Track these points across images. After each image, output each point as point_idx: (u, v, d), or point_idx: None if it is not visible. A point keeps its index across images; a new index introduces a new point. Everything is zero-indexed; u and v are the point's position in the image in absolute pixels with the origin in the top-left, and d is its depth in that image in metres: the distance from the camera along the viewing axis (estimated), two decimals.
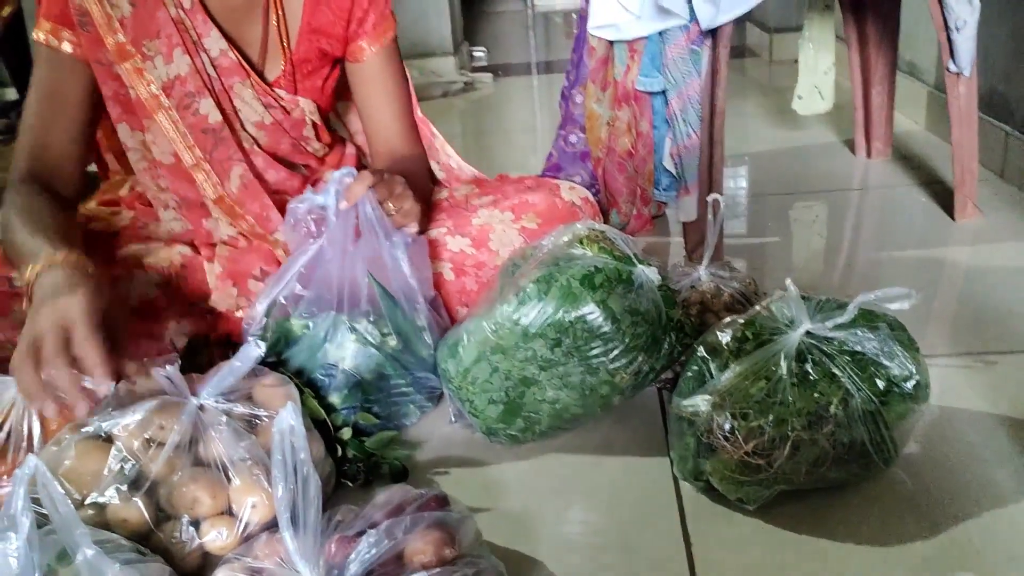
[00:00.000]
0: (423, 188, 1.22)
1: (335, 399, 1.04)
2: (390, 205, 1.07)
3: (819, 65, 1.97)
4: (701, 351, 0.94)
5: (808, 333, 0.89)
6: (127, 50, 1.09)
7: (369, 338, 1.04)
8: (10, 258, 1.04)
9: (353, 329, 1.04)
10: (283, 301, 1.07)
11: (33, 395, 0.84)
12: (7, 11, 2.56)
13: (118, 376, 0.87)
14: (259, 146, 1.20)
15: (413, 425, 1.11)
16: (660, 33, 1.47)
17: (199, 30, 1.13)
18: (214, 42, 1.14)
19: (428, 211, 1.20)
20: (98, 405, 0.86)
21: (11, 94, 3.16)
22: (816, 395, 0.85)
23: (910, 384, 0.89)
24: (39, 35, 1.11)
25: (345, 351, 1.04)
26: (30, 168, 1.11)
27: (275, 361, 1.02)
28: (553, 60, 3.81)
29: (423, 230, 1.14)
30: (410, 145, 1.29)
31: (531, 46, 4.34)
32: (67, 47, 1.10)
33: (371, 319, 1.04)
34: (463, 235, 1.18)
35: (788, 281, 0.91)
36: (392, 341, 1.06)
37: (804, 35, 1.97)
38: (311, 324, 1.05)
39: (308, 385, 1.03)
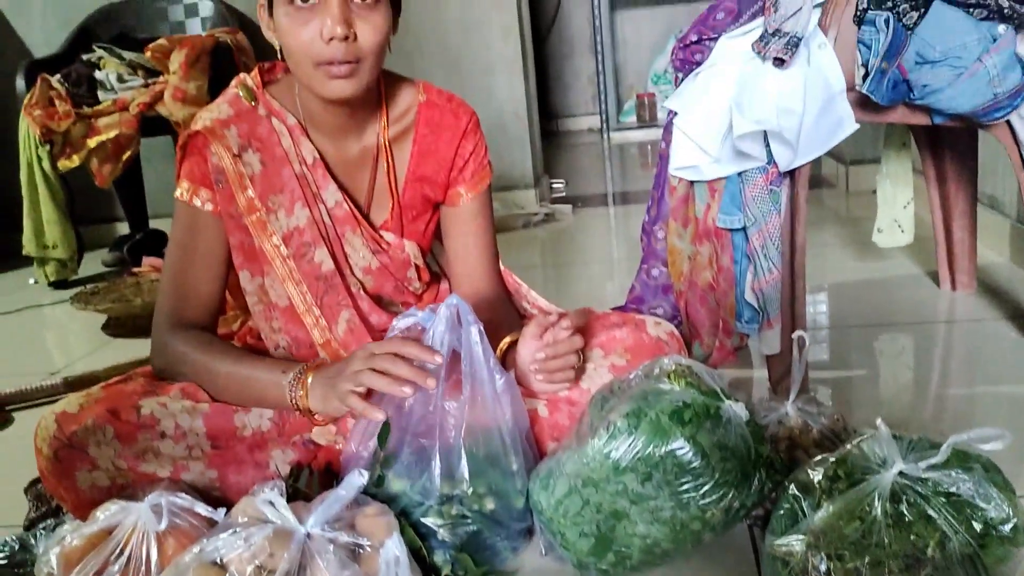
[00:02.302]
0: (513, 326, 1.28)
1: (437, 559, 1.05)
2: (556, 362, 1.15)
3: (898, 199, 2.00)
4: (793, 489, 0.95)
5: (901, 473, 0.89)
6: (254, 204, 1.20)
7: (465, 510, 1.05)
8: (220, 395, 1.19)
9: (448, 500, 1.05)
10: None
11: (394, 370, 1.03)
12: (128, 155, 2.79)
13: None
14: (364, 290, 1.29)
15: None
16: (739, 174, 1.53)
17: (319, 184, 1.24)
18: (331, 194, 1.24)
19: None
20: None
21: (124, 228, 3.40)
22: (913, 537, 0.85)
23: (1008, 527, 0.87)
24: (181, 193, 1.22)
25: (442, 519, 1.05)
26: (177, 317, 1.22)
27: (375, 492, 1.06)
28: (629, 191, 3.92)
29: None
30: (495, 287, 1.36)
31: (607, 177, 4.48)
32: (207, 205, 1.21)
33: (467, 486, 1.05)
34: None
35: (879, 421, 0.92)
36: (489, 503, 1.07)
37: (882, 170, 2.01)
38: (409, 487, 1.06)
39: (405, 514, 1.06)
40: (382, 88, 1.27)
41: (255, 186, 1.20)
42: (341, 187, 1.26)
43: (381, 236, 1.29)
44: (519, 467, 1.09)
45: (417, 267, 1.33)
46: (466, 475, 1.05)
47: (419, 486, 1.05)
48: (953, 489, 0.88)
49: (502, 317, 1.33)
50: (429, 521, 1.05)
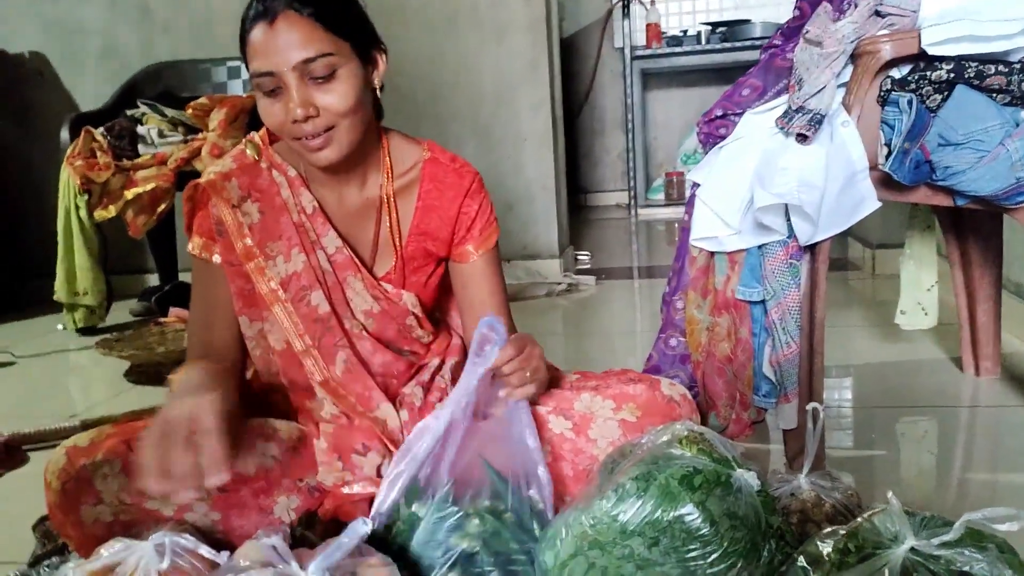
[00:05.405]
0: None
1: None
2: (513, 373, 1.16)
3: (922, 282, 1.99)
4: (802, 561, 0.93)
5: (913, 549, 0.87)
6: (252, 251, 1.25)
7: (488, 519, 1.07)
8: None
9: (470, 515, 1.07)
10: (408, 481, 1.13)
11: (152, 472, 0.95)
12: (162, 208, 2.86)
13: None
14: (367, 332, 1.31)
15: None
16: (759, 246, 1.54)
17: (318, 231, 1.28)
18: (331, 241, 1.29)
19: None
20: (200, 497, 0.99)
21: (153, 280, 3.46)
22: None
23: None
24: (193, 247, 1.28)
25: (466, 533, 1.07)
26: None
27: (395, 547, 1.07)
28: (654, 266, 3.93)
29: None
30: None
31: (633, 252, 4.50)
32: (216, 257, 1.27)
33: (487, 503, 1.08)
34: (566, 418, 1.24)
35: (890, 494, 0.90)
36: (509, 516, 1.08)
37: (906, 252, 2.01)
38: (426, 510, 1.09)
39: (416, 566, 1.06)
40: (385, 142, 1.33)
41: (253, 234, 1.25)
42: (341, 236, 1.30)
43: (380, 284, 1.33)
44: (544, 505, 1.12)
45: (416, 316, 1.35)
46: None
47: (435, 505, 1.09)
48: (966, 568, 0.86)
49: None
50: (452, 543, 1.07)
